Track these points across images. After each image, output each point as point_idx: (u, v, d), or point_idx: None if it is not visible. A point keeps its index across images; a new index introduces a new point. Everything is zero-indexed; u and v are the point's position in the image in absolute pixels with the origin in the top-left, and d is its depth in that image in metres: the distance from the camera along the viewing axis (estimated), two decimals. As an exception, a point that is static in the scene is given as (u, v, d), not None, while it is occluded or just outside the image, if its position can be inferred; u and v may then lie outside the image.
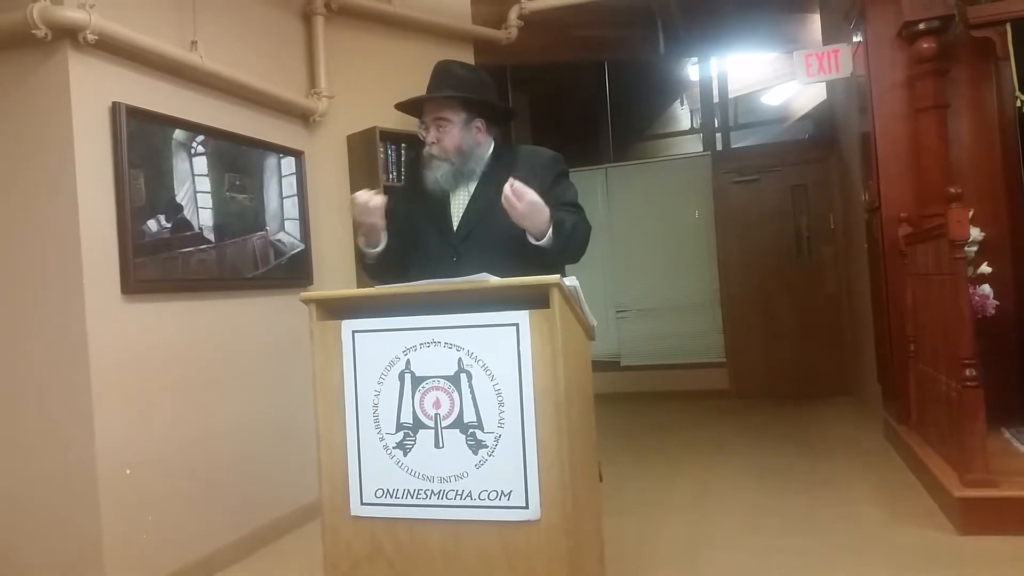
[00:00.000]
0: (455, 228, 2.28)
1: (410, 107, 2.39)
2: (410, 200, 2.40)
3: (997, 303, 3.76)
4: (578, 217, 2.20)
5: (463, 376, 1.71)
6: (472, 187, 2.30)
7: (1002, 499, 2.99)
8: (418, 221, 2.34)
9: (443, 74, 2.35)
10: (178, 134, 3.23)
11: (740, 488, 3.98)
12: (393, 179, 4.34)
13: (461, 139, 2.28)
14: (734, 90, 7.78)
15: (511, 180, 1.98)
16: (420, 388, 1.74)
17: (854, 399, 6.22)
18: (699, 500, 3.81)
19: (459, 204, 2.30)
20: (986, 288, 3.77)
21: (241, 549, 3.39)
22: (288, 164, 3.94)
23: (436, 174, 2.27)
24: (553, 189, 2.23)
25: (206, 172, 3.38)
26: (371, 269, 2.34)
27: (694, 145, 8.17)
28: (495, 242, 2.16)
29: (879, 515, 3.36)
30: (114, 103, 2.93)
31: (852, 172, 5.69)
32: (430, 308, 1.75)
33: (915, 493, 3.57)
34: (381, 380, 1.77)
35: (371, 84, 4.48)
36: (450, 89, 2.29)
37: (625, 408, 6.41)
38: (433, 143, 2.28)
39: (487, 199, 2.23)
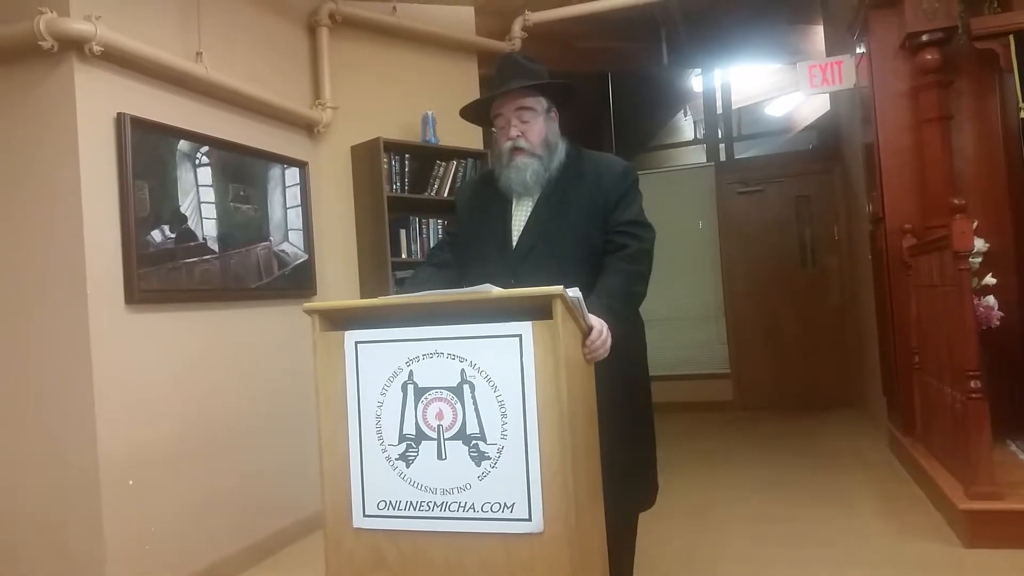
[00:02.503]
0: (514, 245, 2.15)
1: (479, 107, 2.26)
2: (472, 203, 2.30)
3: (1001, 314, 3.74)
4: (635, 270, 2.07)
5: (466, 387, 1.71)
6: (535, 197, 2.18)
7: (1008, 512, 2.97)
8: (478, 231, 2.23)
9: (512, 66, 2.21)
10: (183, 145, 3.24)
11: (744, 500, 3.96)
12: (397, 190, 4.35)
13: (547, 130, 2.18)
14: (738, 101, 7.80)
15: (595, 335, 1.85)
16: (423, 399, 1.74)
17: (859, 411, 6.19)
18: (703, 512, 3.79)
19: (521, 216, 2.18)
20: (990, 299, 3.76)
21: (243, 560, 3.38)
22: (292, 175, 3.95)
23: (525, 174, 2.14)
24: (621, 205, 2.14)
25: (210, 183, 3.39)
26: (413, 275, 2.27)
27: (698, 156, 8.19)
28: (556, 263, 2.06)
29: (884, 528, 3.34)
30: (119, 114, 2.94)
31: (856, 183, 5.69)
32: (433, 319, 1.75)
33: (920, 506, 3.55)
34: (384, 391, 1.76)
35: (375, 95, 4.50)
36: (525, 78, 2.16)
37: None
38: (518, 135, 2.14)
39: (550, 210, 2.15)
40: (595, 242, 2.14)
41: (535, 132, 2.16)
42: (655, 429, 2.31)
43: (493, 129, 2.27)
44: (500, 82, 2.19)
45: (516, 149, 2.15)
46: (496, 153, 2.23)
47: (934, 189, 4.03)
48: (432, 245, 2.56)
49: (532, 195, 2.18)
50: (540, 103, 2.19)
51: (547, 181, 2.17)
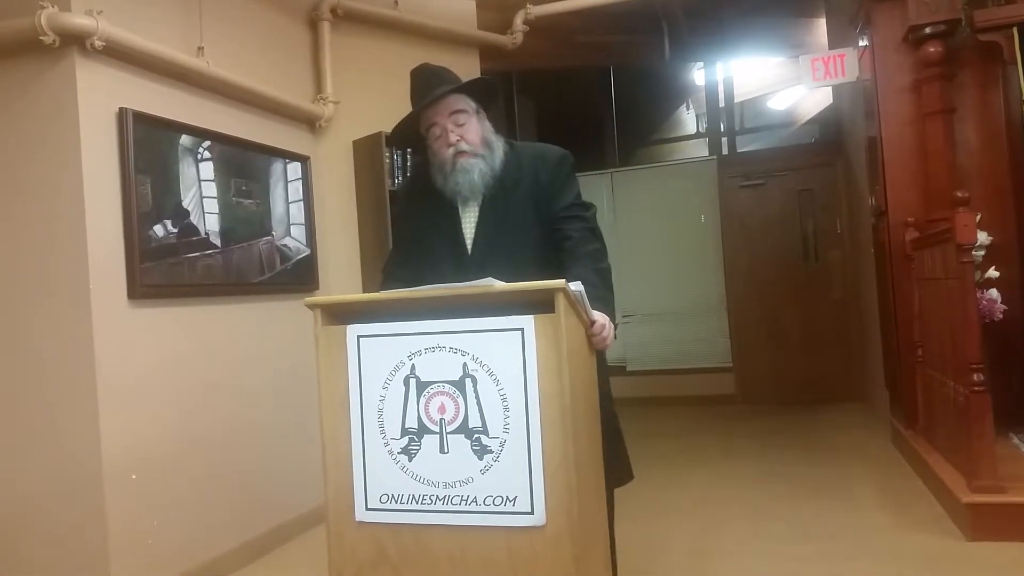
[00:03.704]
0: (469, 252, 2.16)
1: (411, 121, 2.24)
2: (415, 210, 2.28)
3: (1005, 307, 3.74)
4: (593, 248, 2.09)
5: (468, 381, 1.71)
6: (479, 202, 2.17)
7: (1010, 505, 2.97)
8: (429, 238, 2.22)
9: (431, 75, 2.19)
10: (185, 139, 3.24)
11: (747, 494, 3.96)
12: (399, 184, 4.35)
13: (483, 129, 2.17)
14: (740, 94, 7.78)
15: (597, 327, 1.86)
16: (425, 393, 1.74)
17: (861, 404, 6.19)
18: (706, 506, 3.79)
19: (469, 221, 2.18)
20: (993, 292, 3.76)
21: (246, 554, 3.39)
22: (294, 169, 3.95)
23: (472, 175, 2.12)
24: (558, 195, 2.15)
25: (212, 177, 3.39)
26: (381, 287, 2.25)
27: (700, 149, 8.17)
28: (511, 266, 2.04)
29: (887, 521, 3.34)
30: (121, 109, 2.94)
31: (859, 176, 5.68)
32: (435, 313, 1.75)
33: (923, 499, 3.55)
34: (386, 385, 1.76)
35: (377, 89, 4.49)
36: (447, 84, 2.15)
37: (631, 413, 6.36)
38: (458, 139, 2.12)
39: (496, 214, 2.15)
40: (544, 237, 2.15)
41: (473, 133, 2.15)
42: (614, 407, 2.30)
43: (426, 143, 2.22)
44: (423, 93, 2.17)
45: (460, 152, 2.13)
46: (437, 164, 2.19)
47: (937, 182, 4.02)
48: (385, 263, 2.51)
49: (476, 199, 2.17)
50: (470, 104, 2.18)
51: (491, 181, 2.15)
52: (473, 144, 2.14)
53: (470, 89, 2.19)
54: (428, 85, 2.17)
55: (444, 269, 2.14)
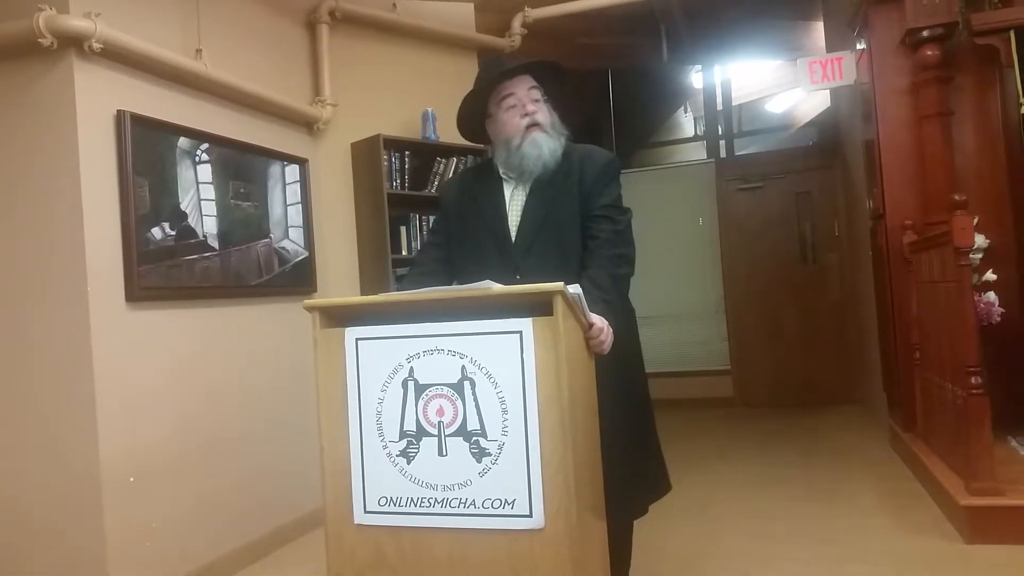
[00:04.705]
0: (514, 240, 2.15)
1: (481, 95, 2.21)
2: (461, 199, 2.28)
3: (1002, 310, 3.75)
4: (615, 253, 2.10)
5: (466, 384, 1.71)
6: (527, 188, 2.18)
7: (1008, 507, 2.97)
8: (473, 228, 2.22)
9: (505, 59, 2.28)
10: (182, 142, 3.24)
11: (745, 497, 3.96)
12: (397, 187, 4.35)
13: (551, 116, 2.19)
14: (738, 97, 7.79)
15: (595, 330, 1.85)
16: (423, 396, 1.74)
17: (859, 407, 6.19)
18: (704, 509, 3.79)
19: (515, 209, 2.18)
20: (991, 295, 3.76)
21: (245, 557, 3.39)
22: (292, 172, 3.95)
23: (542, 149, 2.12)
24: (598, 195, 2.15)
25: (210, 180, 3.39)
26: (406, 280, 2.25)
27: (698, 152, 8.18)
28: (556, 257, 2.09)
29: (885, 524, 3.34)
30: (119, 111, 2.94)
31: (856, 179, 5.69)
32: (433, 315, 1.75)
33: (921, 502, 3.55)
34: (384, 388, 1.76)
35: (375, 92, 4.50)
36: (527, 67, 2.17)
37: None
38: (535, 111, 2.14)
39: (545, 205, 2.15)
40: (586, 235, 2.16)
41: (544, 114, 2.17)
42: (655, 425, 2.31)
43: (495, 116, 2.20)
44: (497, 70, 2.18)
45: (534, 124, 2.14)
46: (504, 137, 2.17)
47: (935, 185, 4.02)
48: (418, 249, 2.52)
49: (525, 184, 2.17)
50: (542, 94, 2.20)
51: (551, 164, 2.15)
52: (545, 122, 2.15)
53: (545, 72, 2.20)
54: (501, 65, 2.20)
55: (488, 254, 2.15)
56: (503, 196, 2.21)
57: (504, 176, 2.23)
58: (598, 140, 7.90)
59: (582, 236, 2.15)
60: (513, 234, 2.17)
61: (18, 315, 2.88)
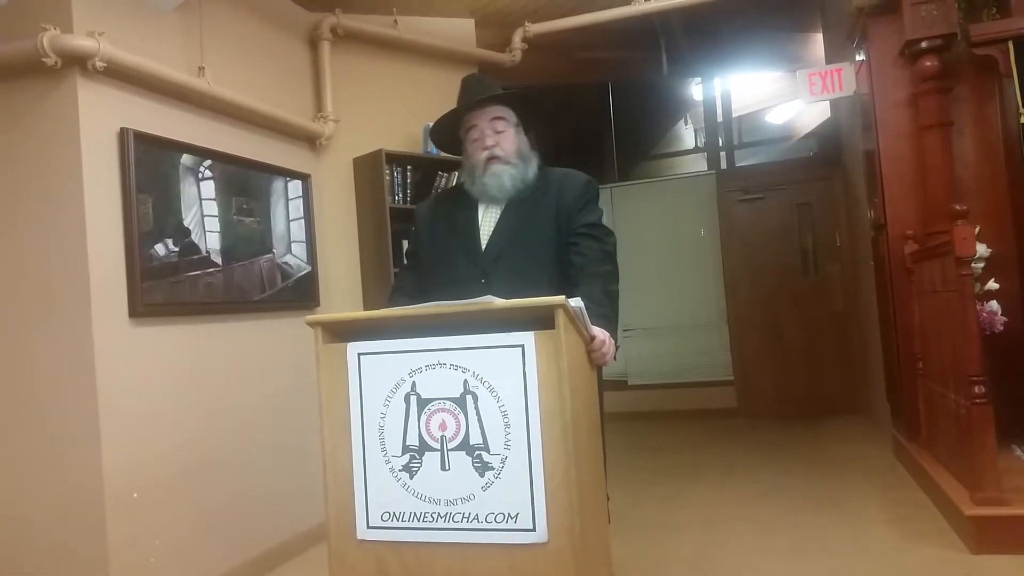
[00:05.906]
0: (483, 248, 2.20)
1: (454, 118, 2.28)
2: (434, 217, 2.34)
3: (1005, 319, 3.74)
4: (605, 270, 2.12)
5: (469, 398, 1.71)
6: (501, 207, 2.23)
7: (1014, 517, 2.95)
8: (443, 239, 2.27)
9: (479, 84, 2.29)
10: (186, 159, 3.26)
11: (749, 508, 3.95)
12: (399, 201, 4.37)
13: (519, 142, 2.24)
14: (738, 109, 7.83)
15: (596, 343, 1.89)
16: (426, 410, 1.74)
17: (863, 417, 6.18)
18: (707, 520, 3.78)
19: (489, 221, 2.23)
20: (994, 304, 3.76)
21: (249, 572, 3.38)
22: (295, 187, 3.97)
23: (503, 179, 2.18)
24: (579, 214, 2.19)
25: (213, 196, 3.40)
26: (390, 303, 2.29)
27: (698, 164, 8.21)
28: (525, 265, 2.12)
29: (889, 534, 3.33)
30: (122, 129, 2.96)
31: (857, 190, 5.70)
32: (435, 330, 1.76)
33: (926, 512, 3.54)
34: (387, 402, 1.77)
35: (377, 108, 4.52)
36: (493, 93, 2.23)
37: (632, 427, 6.38)
38: (494, 144, 2.19)
39: (519, 220, 2.19)
40: (559, 255, 2.18)
41: (509, 142, 2.22)
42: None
43: (463, 144, 2.29)
44: (470, 97, 2.24)
45: (493, 158, 2.20)
46: (468, 166, 2.26)
47: (935, 195, 4.03)
48: (396, 273, 2.55)
49: (500, 203, 2.22)
50: (511, 116, 2.25)
51: (521, 187, 2.21)
52: (507, 152, 2.20)
53: (512, 101, 2.25)
54: (474, 91, 2.25)
55: (456, 262, 2.19)
56: (476, 212, 2.26)
57: (477, 197, 2.28)
58: (599, 153, 7.93)
59: (556, 252, 2.18)
60: (484, 244, 2.21)
61: (22, 331, 2.88)
